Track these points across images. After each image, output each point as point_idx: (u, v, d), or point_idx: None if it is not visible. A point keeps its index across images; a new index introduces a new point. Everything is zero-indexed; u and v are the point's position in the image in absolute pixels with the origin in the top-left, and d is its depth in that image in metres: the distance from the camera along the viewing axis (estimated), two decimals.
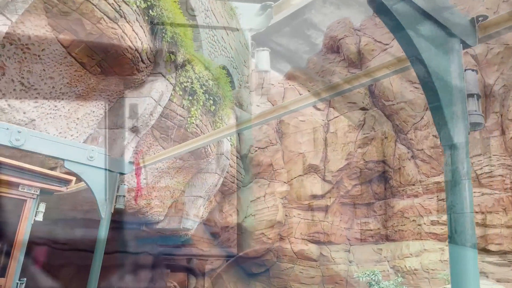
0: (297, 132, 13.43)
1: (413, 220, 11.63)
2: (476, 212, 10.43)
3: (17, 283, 6.05)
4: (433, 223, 11.15)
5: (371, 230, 12.81)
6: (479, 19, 3.22)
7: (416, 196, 11.89)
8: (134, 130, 7.16)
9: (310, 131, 13.51)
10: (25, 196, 6.24)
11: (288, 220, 12.84)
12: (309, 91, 12.33)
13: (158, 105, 7.34)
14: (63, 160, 5.75)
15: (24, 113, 5.72)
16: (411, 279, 10.89)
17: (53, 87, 5.92)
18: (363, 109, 13.15)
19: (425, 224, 11.27)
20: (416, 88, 11.97)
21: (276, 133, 13.63)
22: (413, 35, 2.99)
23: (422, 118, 11.93)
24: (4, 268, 6.03)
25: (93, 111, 6.88)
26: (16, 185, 6.09)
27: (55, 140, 5.66)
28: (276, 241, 12.74)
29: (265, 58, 15.34)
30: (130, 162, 6.96)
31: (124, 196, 6.62)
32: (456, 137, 2.91)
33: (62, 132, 6.40)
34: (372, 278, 9.93)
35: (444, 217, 11.05)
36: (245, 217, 12.31)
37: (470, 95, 3.13)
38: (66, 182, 6.77)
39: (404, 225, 11.84)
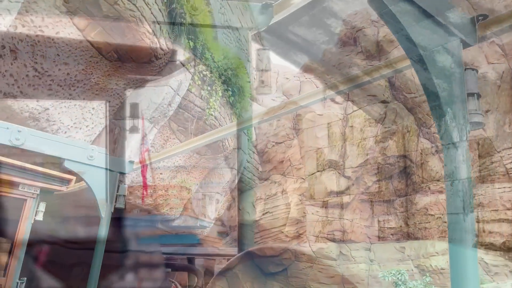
0: (314, 126, 12.99)
1: (439, 217, 11.12)
2: (508, 208, 9.90)
3: (17, 283, 6.01)
4: None
5: (393, 228, 12.32)
6: (479, 18, 3.22)
7: (441, 192, 11.37)
8: (152, 121, 6.78)
9: (328, 126, 13.05)
10: (25, 196, 6.19)
11: (306, 217, 12.40)
12: (326, 84, 11.88)
13: (177, 95, 6.95)
14: (63, 159, 5.63)
15: (38, 101, 5.36)
16: (437, 279, 10.39)
17: (68, 74, 5.55)
18: (383, 102, 12.66)
19: None
20: (438, 80, 11.45)
21: (293, 127, 13.21)
22: (413, 34, 3.02)
23: (446, 109, 11.41)
24: (5, 267, 6.00)
25: (109, 101, 6.51)
26: (17, 184, 6.03)
27: (55, 139, 5.55)
28: (294, 239, 12.32)
29: (265, 57, 14.98)
30: (130, 162, 6.80)
31: (124, 195, 6.59)
32: (456, 137, 2.95)
33: (77, 123, 6.03)
34: (398, 278, 9.44)
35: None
36: (263, 214, 11.91)
37: (470, 94, 3.17)
38: (67, 181, 6.74)
39: (429, 222, 11.34)
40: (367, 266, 12.01)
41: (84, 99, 5.97)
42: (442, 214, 11.11)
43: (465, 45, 3.25)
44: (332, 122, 13.08)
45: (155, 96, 6.64)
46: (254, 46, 13.01)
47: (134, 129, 6.46)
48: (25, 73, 5.07)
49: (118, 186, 6.45)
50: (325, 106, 13.06)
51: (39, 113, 5.44)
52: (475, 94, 3.16)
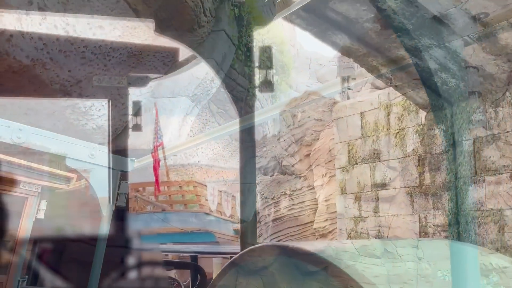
0: (354, 114, 12.08)
1: (496, 212, 10.09)
2: None
3: (19, 281, 6.00)
4: None
5: (441, 224, 11.32)
6: (480, 16, 3.25)
7: (499, 183, 10.32)
8: (194, 99, 5.99)
9: (367, 113, 12.12)
10: (26, 194, 6.20)
11: (347, 211, 11.53)
12: (367, 67, 10.94)
13: (220, 69, 6.15)
14: (64, 157, 5.47)
15: (69, 71, 4.63)
16: (499, 278, 9.39)
17: (103, 40, 4.79)
18: None
19: None
20: (498, 60, 10.39)
21: (331, 115, 12.33)
22: (414, 32, 3.14)
23: (505, 93, 10.33)
24: (6, 266, 6.02)
25: (146, 76, 5.75)
26: (18, 182, 6.03)
27: (56, 138, 5.32)
28: (334, 236, 11.47)
29: (267, 54, 14.46)
30: (132, 160, 6.46)
31: (125, 193, 6.32)
32: (458, 135, 2.85)
33: (112, 100, 5.29)
34: None
35: None
36: (301, 208, 11.12)
37: (471, 93, 3.59)
38: (68, 179, 6.77)
39: (485, 217, 10.31)
40: (415, 264, 11.06)
41: (120, 71, 5.21)
42: (501, 208, 10.08)
43: (466, 43, 3.35)
44: (372, 109, 12.14)
45: (198, 70, 5.82)
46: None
47: (176, 107, 5.69)
48: (56, 36, 4.32)
49: (120, 184, 6.26)
50: (367, 92, 12.13)
51: (71, 85, 4.70)
52: (476, 92, 3.42)
